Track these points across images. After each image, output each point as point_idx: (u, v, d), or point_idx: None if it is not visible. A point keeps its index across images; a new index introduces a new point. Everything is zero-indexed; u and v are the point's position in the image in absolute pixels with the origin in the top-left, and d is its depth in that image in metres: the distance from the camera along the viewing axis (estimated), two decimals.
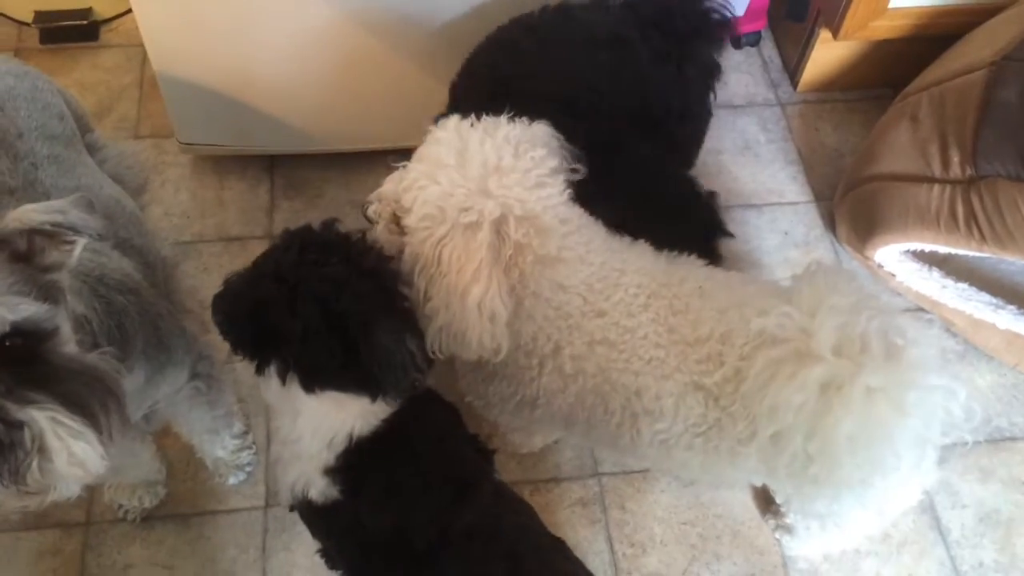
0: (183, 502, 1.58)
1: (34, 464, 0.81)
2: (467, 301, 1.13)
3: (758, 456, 1.17)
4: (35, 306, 0.85)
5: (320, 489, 1.09)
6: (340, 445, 1.08)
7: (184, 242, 1.88)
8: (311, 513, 1.14)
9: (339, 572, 1.26)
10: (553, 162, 1.19)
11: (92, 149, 1.46)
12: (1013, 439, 1.73)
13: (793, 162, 2.11)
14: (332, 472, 1.08)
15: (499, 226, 1.13)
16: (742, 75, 2.26)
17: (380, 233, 1.23)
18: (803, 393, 1.05)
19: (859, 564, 1.59)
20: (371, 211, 1.24)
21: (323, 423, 1.08)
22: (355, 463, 1.09)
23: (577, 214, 1.23)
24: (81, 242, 0.91)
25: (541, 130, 1.22)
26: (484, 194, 1.12)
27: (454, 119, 1.20)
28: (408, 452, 1.12)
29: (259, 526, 1.56)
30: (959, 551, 1.61)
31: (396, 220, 1.20)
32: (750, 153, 2.11)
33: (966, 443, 1.11)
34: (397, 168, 1.21)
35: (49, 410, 0.82)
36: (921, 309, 1.85)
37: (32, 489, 0.84)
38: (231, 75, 1.77)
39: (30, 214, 0.86)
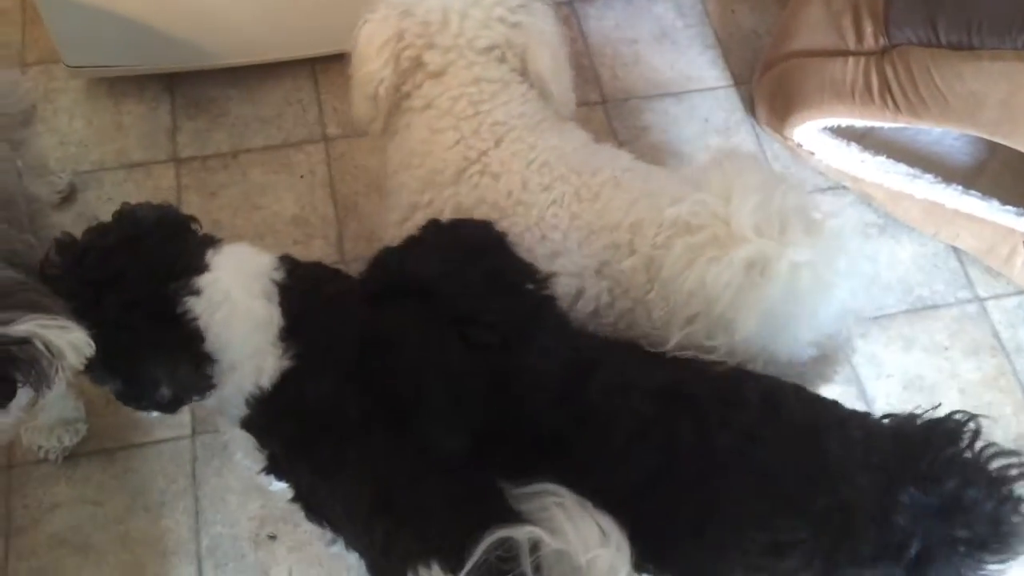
0: (106, 437, 1.54)
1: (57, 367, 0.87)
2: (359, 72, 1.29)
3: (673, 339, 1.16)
4: None
5: (272, 368, 1.07)
6: (276, 298, 1.08)
7: (83, 172, 1.78)
8: (261, 412, 1.11)
9: (282, 480, 1.24)
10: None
11: None
12: (935, 307, 1.75)
13: (711, 47, 2.06)
14: (284, 335, 1.07)
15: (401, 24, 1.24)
16: None
17: None
18: (729, 271, 1.06)
19: None
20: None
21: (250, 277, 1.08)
22: (298, 313, 1.08)
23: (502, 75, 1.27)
24: None
25: None
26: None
27: None
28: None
29: (188, 455, 1.53)
30: None
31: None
32: (667, 40, 2.06)
33: (890, 314, 1.12)
34: None
35: (31, 320, 0.86)
36: (842, 186, 1.85)
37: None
38: None
39: None
